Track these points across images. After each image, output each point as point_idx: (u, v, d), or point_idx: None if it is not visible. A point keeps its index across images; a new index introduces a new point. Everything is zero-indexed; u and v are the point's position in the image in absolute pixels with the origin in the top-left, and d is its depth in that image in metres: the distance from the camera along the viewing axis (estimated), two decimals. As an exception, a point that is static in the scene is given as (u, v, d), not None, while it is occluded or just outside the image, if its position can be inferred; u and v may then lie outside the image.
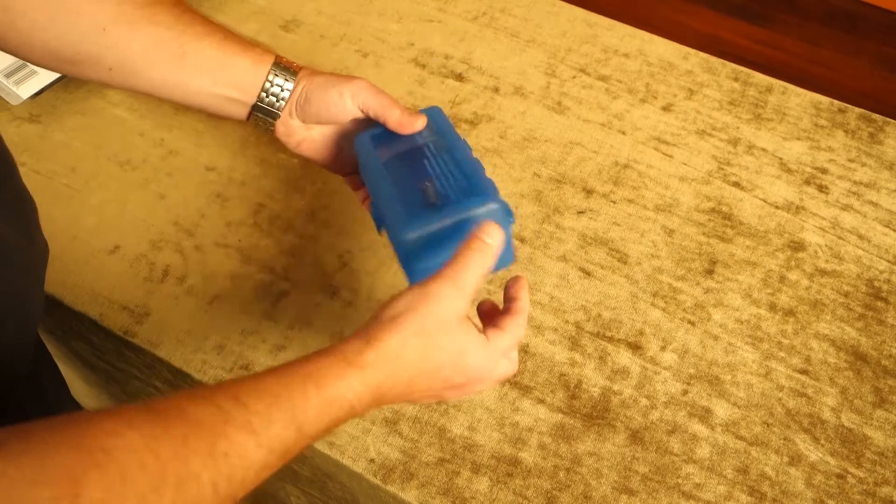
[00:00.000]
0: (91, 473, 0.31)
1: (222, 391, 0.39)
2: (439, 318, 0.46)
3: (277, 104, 0.59)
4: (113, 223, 0.72)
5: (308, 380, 0.42)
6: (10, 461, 0.29)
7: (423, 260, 0.51)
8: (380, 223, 0.56)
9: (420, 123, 0.59)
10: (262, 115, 0.59)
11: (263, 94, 0.58)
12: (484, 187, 0.52)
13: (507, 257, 0.53)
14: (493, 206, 0.51)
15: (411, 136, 0.58)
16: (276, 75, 0.58)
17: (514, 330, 0.50)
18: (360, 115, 0.59)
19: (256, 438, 0.38)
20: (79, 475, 0.31)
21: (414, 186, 0.53)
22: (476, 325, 0.48)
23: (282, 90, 0.59)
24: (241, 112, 0.59)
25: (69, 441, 0.32)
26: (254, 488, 0.39)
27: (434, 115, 0.60)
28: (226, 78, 0.58)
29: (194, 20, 0.57)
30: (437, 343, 0.46)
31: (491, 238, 0.49)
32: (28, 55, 0.54)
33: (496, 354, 0.49)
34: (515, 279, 0.53)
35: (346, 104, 0.60)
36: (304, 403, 0.41)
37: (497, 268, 0.52)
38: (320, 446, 0.61)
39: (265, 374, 0.41)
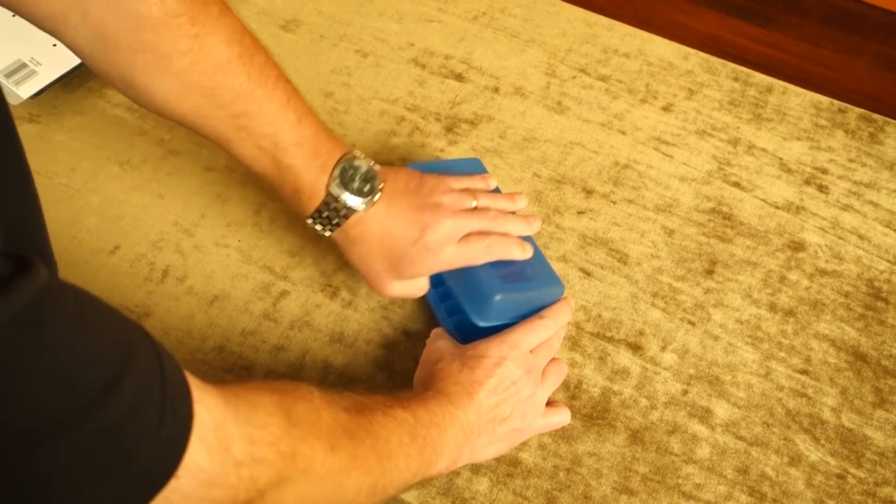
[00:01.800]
0: (298, 404, 0.42)
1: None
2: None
3: (335, 221, 0.57)
4: (113, 223, 0.72)
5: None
6: (231, 392, 0.38)
7: (490, 320, 0.60)
8: (443, 299, 0.63)
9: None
10: (318, 223, 0.58)
11: (323, 206, 0.56)
12: (553, 272, 0.63)
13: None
14: (560, 290, 0.63)
15: None
16: (346, 194, 0.55)
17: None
18: None
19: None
20: (288, 403, 0.41)
21: (487, 265, 0.61)
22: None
23: (344, 210, 0.56)
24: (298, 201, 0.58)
25: (277, 388, 0.42)
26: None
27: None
28: (276, 188, 0.57)
29: (249, 137, 0.54)
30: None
31: (553, 320, 0.60)
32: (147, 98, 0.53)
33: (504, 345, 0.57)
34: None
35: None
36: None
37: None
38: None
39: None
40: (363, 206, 0.56)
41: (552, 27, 0.87)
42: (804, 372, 0.65)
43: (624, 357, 0.65)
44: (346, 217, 0.56)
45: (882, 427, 0.62)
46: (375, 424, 0.47)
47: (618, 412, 0.62)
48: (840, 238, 0.72)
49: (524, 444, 0.61)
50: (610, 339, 0.66)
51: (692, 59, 0.84)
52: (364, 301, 0.67)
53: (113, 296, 0.68)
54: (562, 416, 0.60)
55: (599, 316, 0.67)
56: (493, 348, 0.57)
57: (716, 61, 0.84)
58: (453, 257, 0.58)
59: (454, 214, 0.58)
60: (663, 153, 0.77)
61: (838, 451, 0.61)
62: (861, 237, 0.72)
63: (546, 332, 0.60)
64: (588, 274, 0.69)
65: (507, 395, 0.56)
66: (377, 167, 0.57)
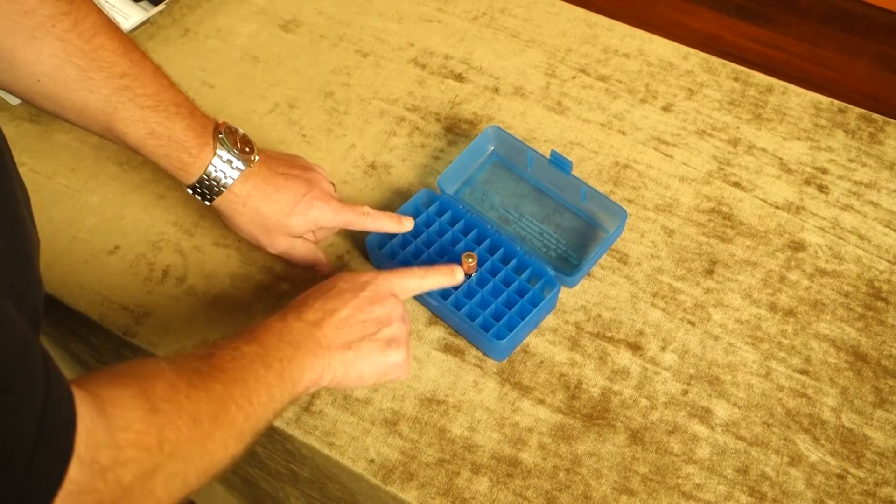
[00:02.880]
0: (156, 385, 0.42)
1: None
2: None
3: (217, 189, 0.61)
4: (113, 223, 0.72)
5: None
6: (94, 393, 0.38)
7: (507, 352, 0.65)
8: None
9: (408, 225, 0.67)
10: (199, 191, 0.61)
11: (194, 189, 0.61)
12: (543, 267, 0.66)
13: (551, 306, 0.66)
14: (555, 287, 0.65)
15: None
16: (211, 174, 0.60)
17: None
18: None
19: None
20: (147, 388, 0.41)
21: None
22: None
23: (209, 193, 0.61)
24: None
25: (133, 374, 0.42)
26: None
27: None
28: (156, 163, 0.60)
29: (132, 99, 0.57)
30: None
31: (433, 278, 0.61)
32: None
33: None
34: None
35: (298, 230, 0.64)
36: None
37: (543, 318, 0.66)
38: (320, 446, 0.61)
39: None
40: (245, 167, 0.61)
41: (552, 27, 0.87)
42: (804, 372, 0.65)
43: (624, 357, 0.65)
44: (231, 180, 0.60)
45: (882, 427, 0.62)
46: (228, 371, 0.47)
47: (618, 412, 0.62)
48: (840, 238, 0.72)
49: (524, 444, 0.61)
50: (610, 339, 0.66)
51: (692, 59, 0.84)
52: (364, 301, 0.67)
53: (113, 296, 0.68)
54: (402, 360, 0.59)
55: (599, 316, 0.67)
56: (367, 273, 0.58)
57: (716, 61, 0.84)
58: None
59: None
60: (663, 153, 0.77)
61: (838, 451, 0.61)
62: (861, 237, 0.72)
63: (420, 283, 0.61)
64: (588, 274, 0.69)
65: (374, 317, 0.56)
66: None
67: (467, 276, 0.66)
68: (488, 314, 0.64)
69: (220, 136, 0.60)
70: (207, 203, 0.62)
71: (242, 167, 0.61)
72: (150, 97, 0.57)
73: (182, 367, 0.46)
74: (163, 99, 0.58)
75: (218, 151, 0.60)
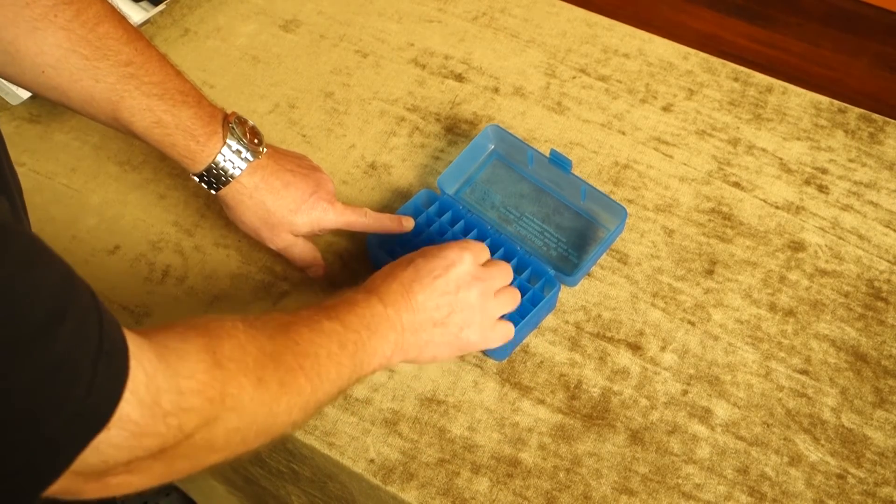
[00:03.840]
0: (223, 343, 0.43)
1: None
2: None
3: (224, 179, 0.61)
4: (113, 223, 0.72)
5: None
6: (160, 342, 0.39)
7: (509, 350, 0.64)
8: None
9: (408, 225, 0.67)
10: (206, 179, 0.61)
11: (212, 167, 0.60)
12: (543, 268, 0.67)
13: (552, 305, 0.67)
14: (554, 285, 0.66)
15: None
16: (219, 163, 0.60)
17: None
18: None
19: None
20: (214, 344, 0.42)
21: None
22: None
23: (215, 182, 0.61)
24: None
25: (203, 329, 0.43)
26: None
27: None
28: (163, 152, 0.60)
29: (138, 88, 0.56)
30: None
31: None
32: None
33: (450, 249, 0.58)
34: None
35: (304, 229, 0.64)
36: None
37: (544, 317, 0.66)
38: (320, 446, 0.61)
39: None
40: (254, 159, 0.61)
41: (552, 27, 0.87)
42: (804, 372, 0.65)
43: (624, 357, 0.65)
44: (239, 171, 0.60)
45: (882, 427, 0.62)
46: (303, 343, 0.48)
47: (618, 412, 0.62)
48: (840, 238, 0.72)
49: (524, 444, 0.61)
50: (610, 340, 0.66)
51: (692, 59, 0.84)
52: (364, 301, 0.67)
53: (113, 296, 0.68)
54: (507, 331, 0.60)
55: (599, 316, 0.67)
56: (446, 249, 0.58)
57: (716, 61, 0.84)
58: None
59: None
60: (663, 153, 0.77)
61: (838, 451, 0.61)
62: (861, 237, 0.72)
63: (489, 252, 0.61)
64: (588, 274, 0.69)
65: (450, 301, 0.56)
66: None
67: None
68: None
69: (231, 125, 0.60)
70: (213, 192, 0.62)
71: (251, 158, 0.61)
72: (156, 85, 0.57)
73: (257, 332, 0.46)
74: (169, 87, 0.58)
75: (227, 141, 0.59)
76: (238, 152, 0.60)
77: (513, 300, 0.61)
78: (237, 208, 0.63)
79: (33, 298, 0.32)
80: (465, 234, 0.68)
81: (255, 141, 0.61)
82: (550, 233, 0.71)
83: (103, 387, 0.34)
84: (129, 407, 0.35)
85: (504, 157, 0.74)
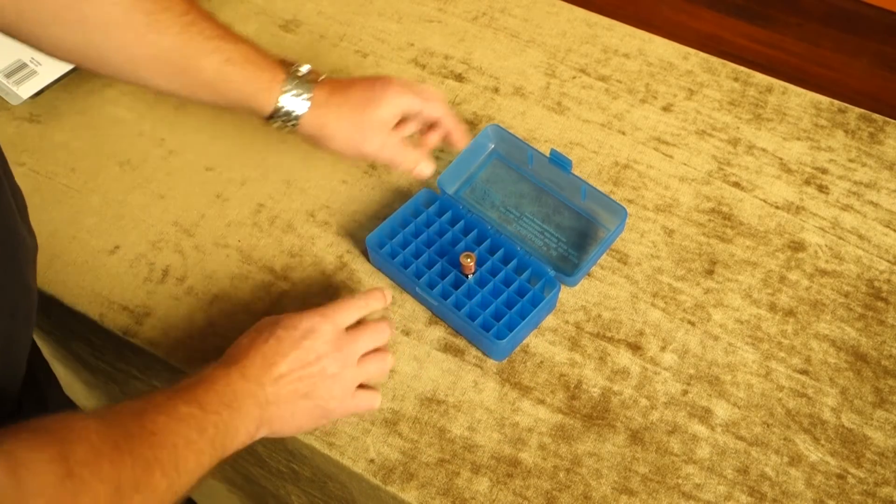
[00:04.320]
0: (76, 448, 0.40)
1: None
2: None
3: (293, 121, 0.61)
4: (113, 223, 0.72)
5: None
6: (5, 444, 0.37)
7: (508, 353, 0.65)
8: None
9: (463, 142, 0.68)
10: (280, 124, 0.61)
11: (277, 111, 0.60)
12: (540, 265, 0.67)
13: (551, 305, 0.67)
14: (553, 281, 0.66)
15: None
16: (289, 96, 0.60)
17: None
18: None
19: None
20: (66, 451, 0.39)
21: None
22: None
23: (295, 111, 0.60)
24: (260, 119, 0.61)
25: (53, 435, 0.40)
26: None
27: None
28: (231, 97, 0.59)
29: (201, 33, 0.57)
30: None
31: (365, 300, 0.60)
32: (38, 46, 0.54)
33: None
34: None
35: (356, 156, 0.64)
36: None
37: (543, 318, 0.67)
38: (320, 446, 0.61)
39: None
40: (314, 81, 0.61)
41: (552, 27, 0.87)
42: (804, 372, 0.65)
43: (624, 357, 0.65)
44: (309, 91, 0.60)
45: (882, 427, 0.62)
46: (159, 433, 0.46)
47: (618, 412, 0.62)
48: (840, 238, 0.72)
49: (524, 444, 0.61)
50: (610, 340, 0.66)
51: (692, 59, 0.84)
52: (364, 301, 0.67)
53: (113, 296, 0.68)
54: (369, 400, 0.60)
55: (599, 316, 0.67)
56: (305, 320, 0.57)
57: (716, 61, 0.84)
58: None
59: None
60: (663, 153, 0.77)
61: (838, 451, 0.61)
62: (861, 237, 0.72)
63: (359, 311, 0.60)
64: (588, 274, 0.69)
65: (311, 372, 0.55)
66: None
67: (466, 276, 0.66)
68: (488, 314, 0.64)
69: (283, 60, 0.61)
70: (293, 124, 0.61)
71: (314, 81, 0.61)
72: (214, 28, 0.58)
73: (111, 427, 0.44)
74: (224, 29, 0.59)
75: (290, 70, 0.60)
76: (302, 77, 0.60)
77: (381, 365, 0.60)
78: (326, 125, 0.62)
79: None
80: (465, 233, 0.68)
81: (311, 71, 0.62)
82: (550, 232, 0.71)
83: None
84: None
85: (504, 157, 0.74)
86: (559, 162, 0.68)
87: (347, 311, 0.59)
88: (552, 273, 0.65)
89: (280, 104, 0.60)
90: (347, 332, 0.58)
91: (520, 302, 0.64)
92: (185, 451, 0.47)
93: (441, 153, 0.76)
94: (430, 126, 0.67)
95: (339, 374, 0.57)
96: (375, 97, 0.62)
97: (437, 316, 0.67)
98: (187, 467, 0.47)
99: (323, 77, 0.62)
